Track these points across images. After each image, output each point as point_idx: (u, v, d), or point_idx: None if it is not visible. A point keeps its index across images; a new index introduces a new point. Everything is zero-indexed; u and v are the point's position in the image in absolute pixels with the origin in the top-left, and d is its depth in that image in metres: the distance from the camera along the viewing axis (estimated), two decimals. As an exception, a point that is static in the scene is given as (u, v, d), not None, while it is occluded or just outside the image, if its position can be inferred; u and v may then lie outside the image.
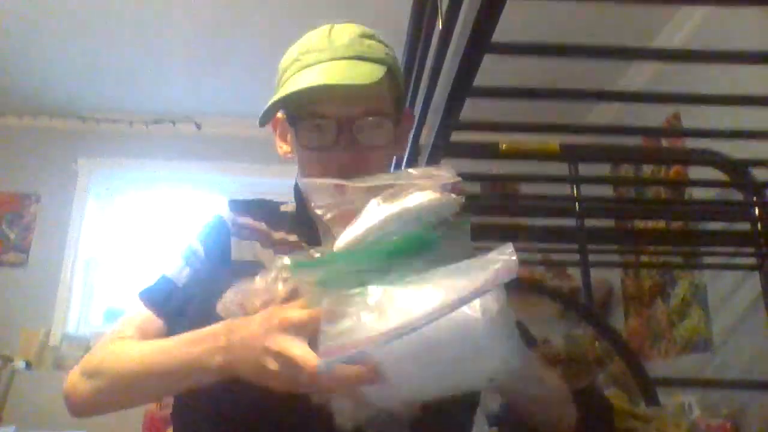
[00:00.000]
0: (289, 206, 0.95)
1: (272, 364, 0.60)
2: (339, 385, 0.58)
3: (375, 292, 0.59)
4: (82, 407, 0.81)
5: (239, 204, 0.93)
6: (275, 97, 0.79)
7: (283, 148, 0.90)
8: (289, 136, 0.88)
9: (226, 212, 0.91)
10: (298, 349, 0.59)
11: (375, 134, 0.80)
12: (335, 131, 0.78)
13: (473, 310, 0.57)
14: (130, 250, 3.53)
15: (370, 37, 0.83)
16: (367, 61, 0.79)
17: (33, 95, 3.40)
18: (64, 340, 3.14)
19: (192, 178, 3.62)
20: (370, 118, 0.79)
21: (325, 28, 0.84)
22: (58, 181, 3.48)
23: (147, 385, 0.75)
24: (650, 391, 1.84)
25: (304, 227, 0.87)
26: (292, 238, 0.87)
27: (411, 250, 0.62)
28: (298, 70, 0.80)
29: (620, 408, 1.49)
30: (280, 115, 0.87)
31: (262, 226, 0.89)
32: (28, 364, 2.92)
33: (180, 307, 0.83)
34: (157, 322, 0.83)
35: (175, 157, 3.57)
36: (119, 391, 0.77)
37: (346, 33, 0.82)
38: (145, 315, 0.84)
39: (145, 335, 0.81)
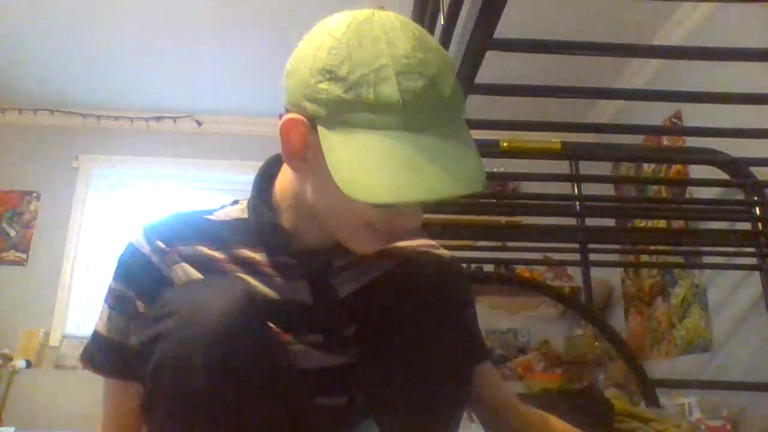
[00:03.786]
0: (232, 212, 0.83)
1: None
2: None
3: None
4: None
5: (158, 229, 0.77)
6: (402, 194, 0.61)
7: (296, 161, 0.72)
8: (311, 153, 0.68)
9: (140, 241, 0.76)
10: None
11: None
12: None
13: None
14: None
15: (451, 64, 0.70)
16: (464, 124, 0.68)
17: (33, 92, 3.40)
18: (64, 340, 3.14)
19: (193, 175, 3.62)
20: None
21: (410, 42, 0.66)
22: (59, 178, 3.48)
23: None
24: (650, 392, 1.84)
25: (274, 238, 0.77)
26: (260, 256, 0.76)
27: None
28: (411, 130, 0.63)
29: (620, 409, 1.48)
30: (297, 116, 0.67)
31: (210, 252, 0.76)
32: (28, 364, 2.92)
33: (134, 358, 0.71)
34: (127, 387, 0.74)
35: (175, 154, 3.57)
36: None
37: (446, 74, 0.65)
38: (114, 396, 0.76)
39: (127, 418, 0.75)
